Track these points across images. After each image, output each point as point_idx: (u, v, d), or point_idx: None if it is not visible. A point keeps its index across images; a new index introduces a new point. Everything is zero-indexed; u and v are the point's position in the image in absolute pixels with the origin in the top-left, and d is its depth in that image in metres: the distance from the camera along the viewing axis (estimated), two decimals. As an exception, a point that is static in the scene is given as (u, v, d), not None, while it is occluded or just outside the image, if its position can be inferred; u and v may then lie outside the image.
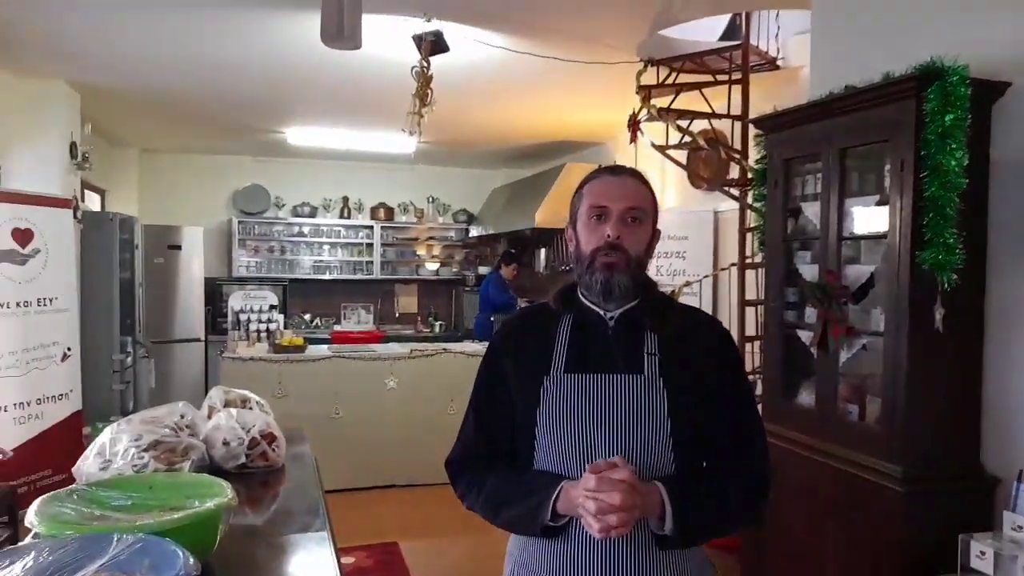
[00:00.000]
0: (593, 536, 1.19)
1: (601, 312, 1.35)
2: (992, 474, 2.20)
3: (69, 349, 3.79)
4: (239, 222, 7.98)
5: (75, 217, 4.42)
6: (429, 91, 3.68)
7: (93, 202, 6.50)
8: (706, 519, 1.26)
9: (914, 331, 2.11)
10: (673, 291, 4.56)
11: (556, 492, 1.23)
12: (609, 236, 1.29)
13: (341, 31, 3.09)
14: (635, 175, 1.37)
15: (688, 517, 1.21)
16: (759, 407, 2.87)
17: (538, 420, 1.31)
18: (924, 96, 2.04)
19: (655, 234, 1.37)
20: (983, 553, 1.89)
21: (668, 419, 1.27)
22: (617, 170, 1.38)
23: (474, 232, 8.47)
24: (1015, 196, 2.17)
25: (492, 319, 6.55)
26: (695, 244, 5.03)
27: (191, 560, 1.14)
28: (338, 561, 1.59)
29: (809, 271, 2.53)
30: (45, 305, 3.63)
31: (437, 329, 8.44)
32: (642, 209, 1.33)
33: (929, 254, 2.02)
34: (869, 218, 2.35)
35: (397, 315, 8.74)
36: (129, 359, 5.24)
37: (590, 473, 1.18)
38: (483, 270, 8.33)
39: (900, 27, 2.53)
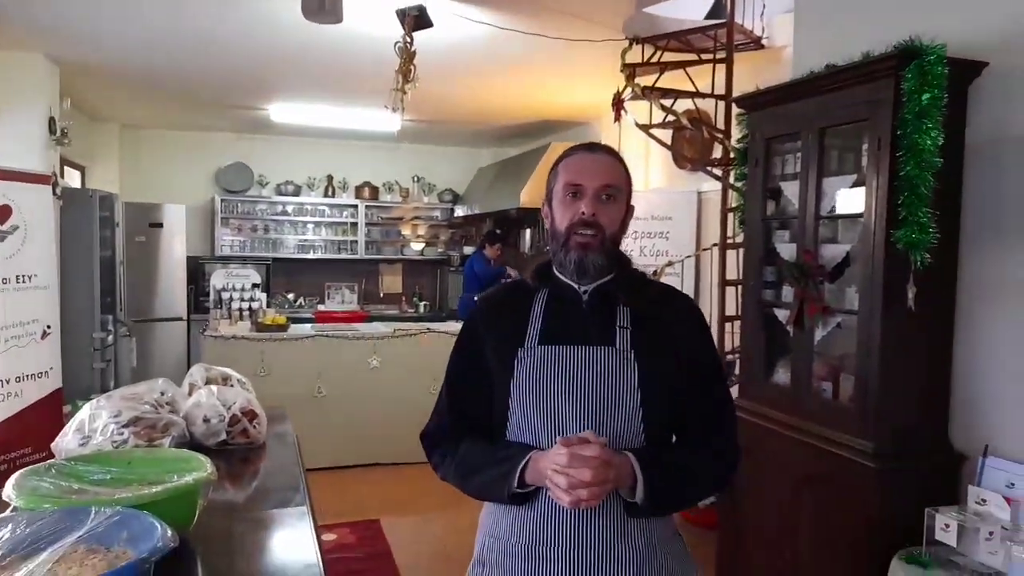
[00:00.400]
0: (562, 505, 1.21)
1: (576, 286, 1.37)
2: (959, 451, 2.25)
3: (49, 327, 3.76)
4: (222, 200, 7.91)
5: (54, 194, 4.35)
6: (412, 67, 3.66)
7: (73, 179, 6.41)
8: (676, 489, 1.29)
9: (887, 309, 2.15)
10: (655, 271, 4.60)
11: (524, 461, 1.26)
12: (584, 213, 1.31)
13: (323, 5, 3.07)
14: (610, 152, 1.38)
15: (658, 487, 1.24)
16: (736, 384, 2.93)
17: (512, 391, 1.33)
18: (902, 75, 2.06)
19: (629, 211, 1.39)
20: (947, 526, 1.95)
21: (638, 390, 1.29)
22: (592, 147, 1.39)
23: (459, 212, 8.44)
24: (989, 176, 2.20)
25: (476, 299, 6.56)
26: (679, 224, 5.05)
27: (169, 532, 1.15)
28: (317, 535, 1.60)
29: (787, 250, 2.56)
30: (24, 282, 3.59)
31: (422, 309, 8.44)
32: (616, 187, 1.34)
33: (903, 233, 2.05)
34: (846, 197, 2.37)
35: (381, 295, 8.73)
36: (110, 338, 5.20)
37: (561, 446, 1.19)
38: (468, 250, 8.32)
39: (881, 6, 2.54)
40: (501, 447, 1.34)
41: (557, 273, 1.39)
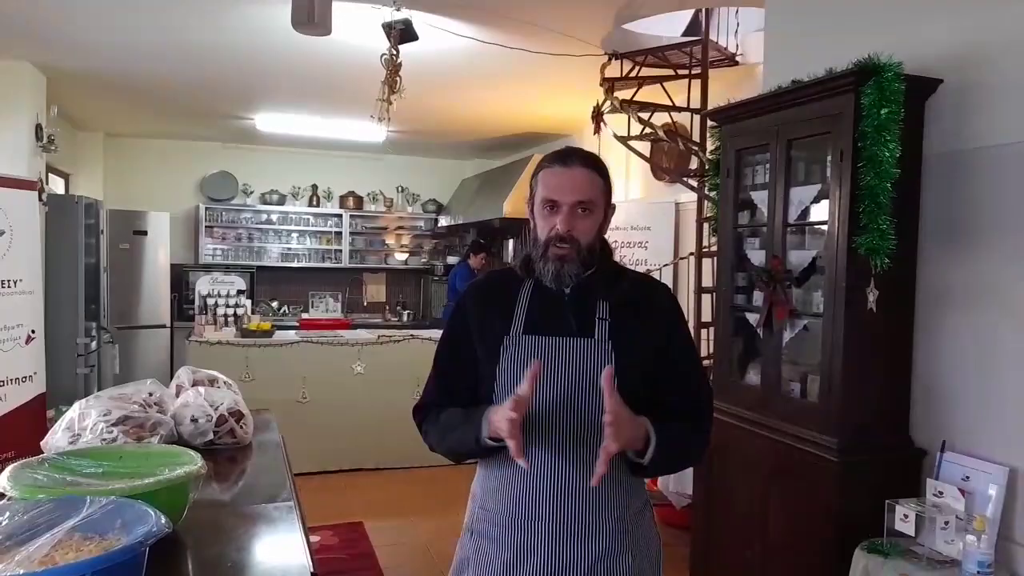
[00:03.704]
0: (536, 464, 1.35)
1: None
2: (919, 446, 2.36)
3: (33, 331, 3.77)
4: (206, 209, 7.93)
5: (40, 200, 4.38)
6: (398, 79, 3.74)
7: (57, 186, 6.42)
8: (675, 454, 1.44)
9: (849, 312, 2.26)
10: (635, 279, 4.69)
11: (486, 411, 1.37)
12: (559, 229, 1.40)
13: (312, 17, 3.14)
14: (585, 163, 1.43)
15: (665, 449, 1.36)
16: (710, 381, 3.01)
17: (497, 376, 1.43)
18: (862, 91, 2.17)
19: (608, 213, 1.47)
20: (906, 516, 2.04)
21: (615, 378, 1.36)
22: (568, 159, 1.43)
23: (443, 222, 8.52)
24: (945, 187, 2.32)
25: (467, 284, 6.59)
26: (657, 234, 5.17)
27: (162, 519, 1.18)
28: (304, 528, 1.65)
29: (757, 257, 2.66)
30: (10, 287, 3.62)
31: (405, 318, 8.48)
32: (590, 200, 1.41)
33: (864, 239, 2.16)
34: (812, 206, 2.48)
35: (365, 304, 8.76)
36: (93, 344, 5.21)
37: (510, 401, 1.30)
38: (451, 260, 8.40)
39: (844, 25, 2.67)
40: (469, 409, 1.44)
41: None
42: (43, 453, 1.90)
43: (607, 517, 1.41)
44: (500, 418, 1.30)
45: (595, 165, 1.44)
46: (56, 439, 2.00)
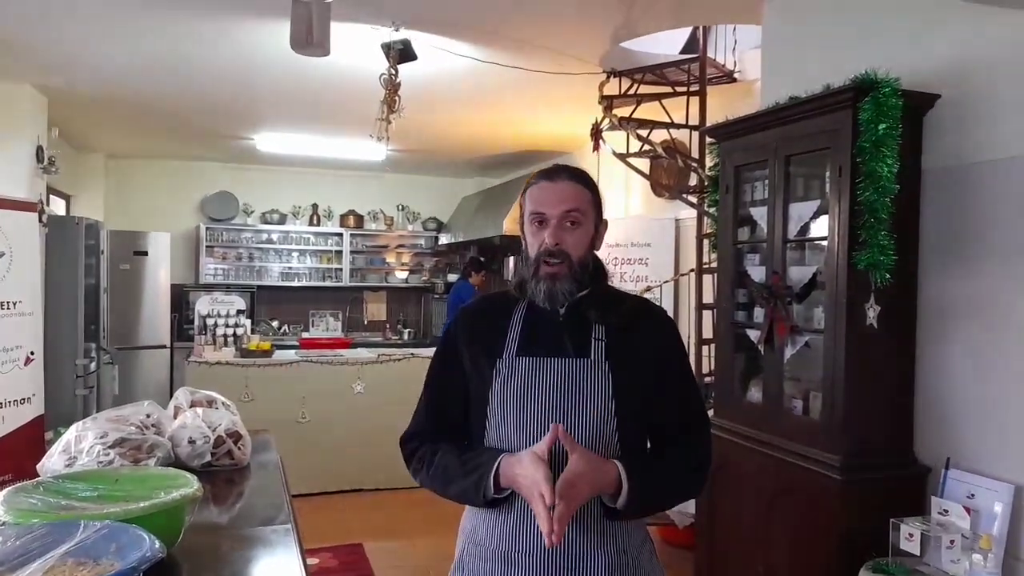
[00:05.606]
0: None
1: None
2: (923, 463, 2.33)
3: (32, 353, 3.76)
4: (207, 228, 7.95)
5: (41, 221, 4.39)
6: (397, 98, 3.76)
7: (58, 207, 6.44)
8: (656, 496, 1.35)
9: (851, 328, 2.24)
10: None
11: (494, 468, 1.30)
12: (547, 243, 1.37)
13: (310, 38, 3.15)
14: (572, 176, 1.41)
15: (641, 495, 1.29)
16: (711, 403, 3.00)
17: (490, 400, 1.38)
18: (859, 107, 2.18)
19: (600, 228, 1.44)
20: (911, 536, 2.02)
21: (613, 400, 1.34)
22: (554, 174, 1.41)
23: (444, 240, 8.53)
24: (945, 201, 2.32)
25: (458, 309, 6.59)
26: (657, 251, 5.16)
27: (157, 544, 1.16)
28: (302, 552, 1.63)
29: (758, 273, 2.66)
30: (9, 308, 3.61)
31: (406, 336, 8.47)
32: (579, 210, 1.38)
33: (864, 255, 2.15)
34: (812, 221, 2.48)
35: (366, 322, 8.75)
36: (93, 365, 5.19)
37: (539, 463, 1.23)
38: (452, 278, 8.40)
39: (841, 41, 2.68)
40: (472, 454, 1.37)
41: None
42: (39, 476, 1.89)
43: (607, 550, 1.35)
44: (530, 485, 1.22)
45: (582, 179, 1.42)
46: (52, 462, 1.98)
